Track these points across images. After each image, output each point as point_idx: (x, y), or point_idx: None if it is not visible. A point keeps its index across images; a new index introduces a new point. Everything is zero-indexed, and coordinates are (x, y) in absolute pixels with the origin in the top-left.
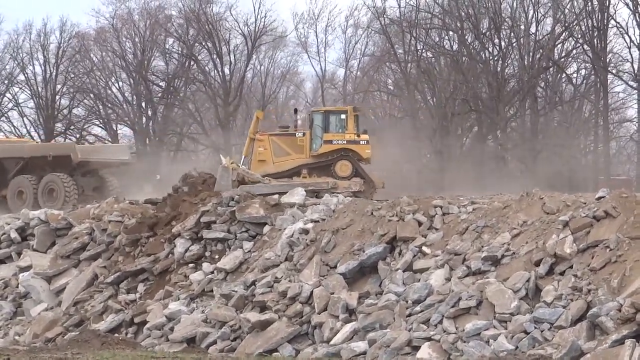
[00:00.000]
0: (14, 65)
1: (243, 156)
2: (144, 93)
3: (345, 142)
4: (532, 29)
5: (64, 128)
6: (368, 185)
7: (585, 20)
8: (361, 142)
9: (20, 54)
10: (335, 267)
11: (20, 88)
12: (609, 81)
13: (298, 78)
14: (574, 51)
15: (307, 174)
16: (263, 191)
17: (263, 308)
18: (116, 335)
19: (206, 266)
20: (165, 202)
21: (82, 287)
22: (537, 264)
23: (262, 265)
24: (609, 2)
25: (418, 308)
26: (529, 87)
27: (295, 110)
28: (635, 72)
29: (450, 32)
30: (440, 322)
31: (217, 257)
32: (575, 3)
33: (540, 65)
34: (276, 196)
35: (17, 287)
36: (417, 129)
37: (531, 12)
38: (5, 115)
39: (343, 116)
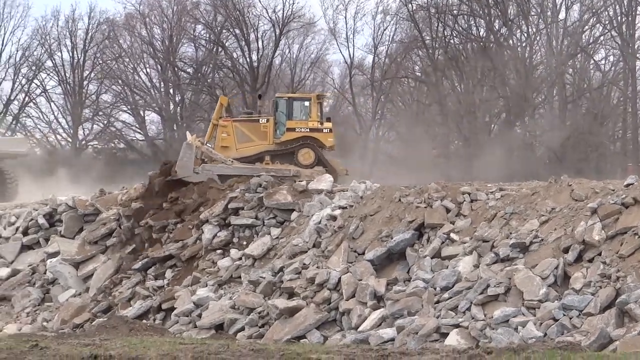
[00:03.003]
0: (42, 52)
1: (205, 142)
2: (172, 79)
3: (308, 129)
4: (560, 16)
5: (91, 114)
6: (330, 173)
7: (613, 6)
8: (324, 130)
9: (49, 40)
10: (363, 253)
11: (48, 74)
12: (637, 67)
13: (326, 64)
14: (602, 37)
15: (269, 161)
16: (225, 172)
17: (291, 294)
18: (144, 321)
19: (234, 252)
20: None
21: (110, 273)
22: (566, 251)
23: (289, 252)
24: None
25: (446, 295)
26: (557, 73)
27: (260, 96)
28: None
29: (478, 19)
30: (469, 309)
31: (245, 243)
32: None
33: (568, 51)
34: (304, 182)
35: (45, 273)
36: (445, 116)
37: None
38: (34, 101)
39: (307, 103)
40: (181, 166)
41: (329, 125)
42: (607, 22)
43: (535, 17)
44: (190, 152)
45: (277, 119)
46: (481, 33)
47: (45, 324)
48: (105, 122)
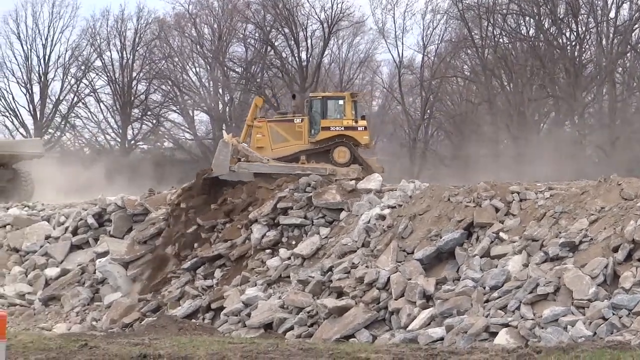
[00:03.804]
0: (91, 51)
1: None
2: (221, 79)
3: (342, 128)
4: (610, 14)
5: (140, 114)
6: (366, 171)
7: None
8: (359, 128)
9: (98, 40)
10: (412, 253)
11: (97, 74)
12: None
13: (375, 64)
14: None
15: (305, 160)
16: (261, 170)
17: (340, 294)
18: (193, 320)
19: (283, 252)
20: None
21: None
22: (615, 250)
23: (339, 251)
24: None
25: (495, 294)
26: (606, 72)
27: (294, 96)
28: None
29: (527, 18)
30: (518, 308)
31: (293, 242)
32: None
33: (618, 50)
34: (352, 182)
35: (94, 272)
36: (494, 115)
37: None
38: (83, 101)
39: (341, 102)
40: (217, 165)
41: (363, 123)
42: None
43: (585, 15)
44: (226, 150)
45: (311, 118)
46: (530, 32)
47: (94, 323)
48: (154, 121)
